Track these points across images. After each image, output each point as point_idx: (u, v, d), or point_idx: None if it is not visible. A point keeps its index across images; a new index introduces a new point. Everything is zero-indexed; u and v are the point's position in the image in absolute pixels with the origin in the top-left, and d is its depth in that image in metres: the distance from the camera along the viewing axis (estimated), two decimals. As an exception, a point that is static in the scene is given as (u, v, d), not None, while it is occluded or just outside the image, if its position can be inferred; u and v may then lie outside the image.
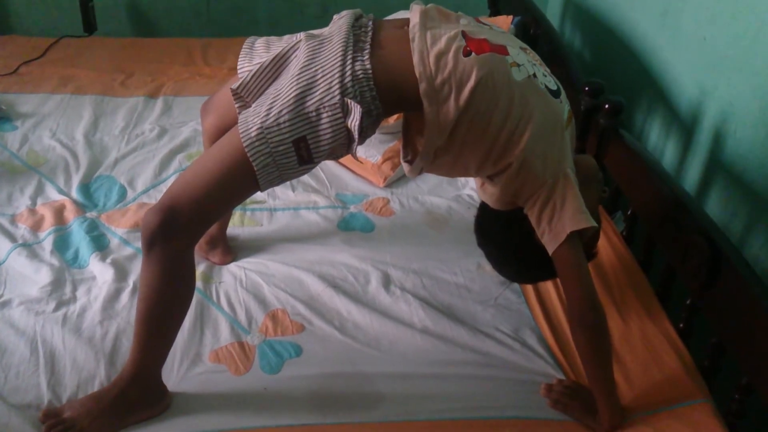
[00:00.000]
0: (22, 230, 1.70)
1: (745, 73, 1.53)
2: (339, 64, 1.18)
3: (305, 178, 1.95)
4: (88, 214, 1.77)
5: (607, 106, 1.71)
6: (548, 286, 1.59)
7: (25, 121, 2.18)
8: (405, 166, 1.34)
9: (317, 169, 1.98)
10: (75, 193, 1.86)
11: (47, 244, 1.65)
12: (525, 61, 1.24)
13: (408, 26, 1.25)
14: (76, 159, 2.01)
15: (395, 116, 1.97)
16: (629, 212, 1.69)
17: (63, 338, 1.40)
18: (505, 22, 2.40)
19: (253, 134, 1.17)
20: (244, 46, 1.37)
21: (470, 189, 1.95)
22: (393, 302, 1.54)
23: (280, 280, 1.59)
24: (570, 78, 1.99)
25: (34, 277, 1.55)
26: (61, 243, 1.66)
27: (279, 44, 1.33)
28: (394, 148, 1.99)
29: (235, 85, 1.28)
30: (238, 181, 1.21)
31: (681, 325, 1.44)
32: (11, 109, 2.24)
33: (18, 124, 2.17)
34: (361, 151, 1.96)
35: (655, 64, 1.94)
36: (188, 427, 1.23)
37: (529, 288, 1.60)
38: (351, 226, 1.78)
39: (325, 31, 1.30)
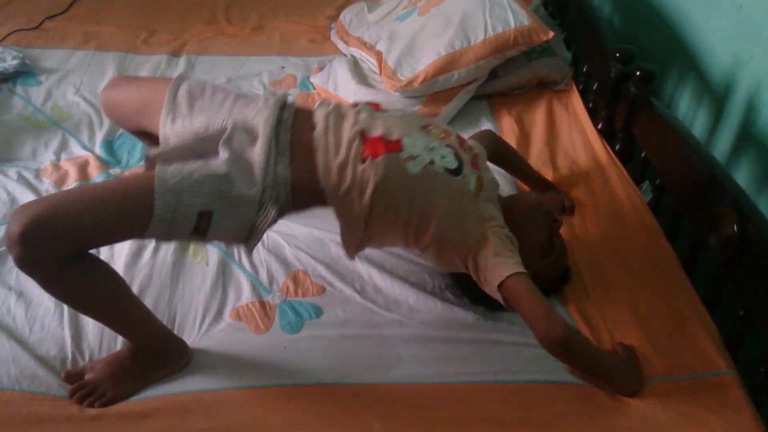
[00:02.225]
0: (47, 184, 1.71)
1: (784, 41, 1.49)
2: (263, 165, 1.21)
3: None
4: (111, 171, 1.78)
5: (638, 73, 1.68)
6: (570, 249, 1.56)
7: (49, 77, 2.19)
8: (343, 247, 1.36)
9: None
10: (98, 150, 1.86)
11: (71, 199, 1.66)
12: (421, 150, 1.28)
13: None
14: (99, 116, 2.00)
15: (421, 79, 1.96)
16: (657, 182, 1.66)
17: (86, 292, 1.41)
18: (534, -15, 2.35)
19: (170, 183, 1.13)
20: (167, 95, 1.31)
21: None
22: (413, 267, 1.53)
23: (302, 242, 1.58)
24: (600, 44, 1.95)
25: (58, 231, 1.56)
26: (85, 198, 1.67)
27: (204, 109, 1.30)
28: (418, 112, 1.97)
29: (152, 154, 1.24)
30: (126, 218, 1.14)
31: (707, 297, 1.42)
32: (35, 64, 2.24)
33: (42, 79, 2.17)
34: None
35: (687, 31, 1.89)
36: (207, 383, 1.24)
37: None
38: (373, 190, 1.77)
39: (248, 115, 1.27)
